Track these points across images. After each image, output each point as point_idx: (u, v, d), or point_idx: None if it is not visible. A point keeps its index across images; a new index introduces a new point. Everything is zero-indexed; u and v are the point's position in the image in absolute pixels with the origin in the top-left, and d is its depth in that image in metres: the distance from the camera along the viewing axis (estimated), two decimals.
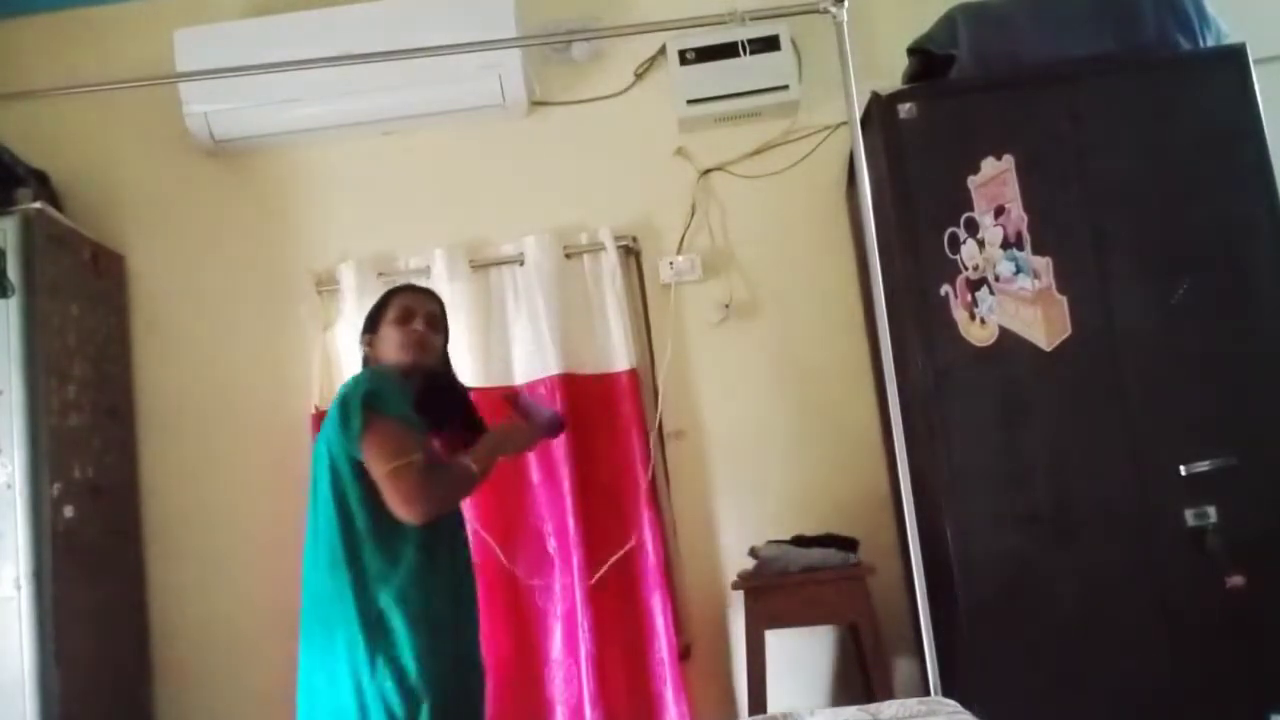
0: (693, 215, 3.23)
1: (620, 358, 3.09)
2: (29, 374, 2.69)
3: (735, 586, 2.80)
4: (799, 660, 3.01)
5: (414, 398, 2.23)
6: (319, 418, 2.84)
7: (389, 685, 1.97)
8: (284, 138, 3.24)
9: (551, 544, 3.04)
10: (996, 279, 2.59)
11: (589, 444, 3.05)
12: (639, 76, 3.31)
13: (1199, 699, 2.41)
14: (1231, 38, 2.70)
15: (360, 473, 2.04)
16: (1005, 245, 2.60)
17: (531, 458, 3.02)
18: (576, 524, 2.96)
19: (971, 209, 2.62)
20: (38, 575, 2.61)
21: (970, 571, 2.50)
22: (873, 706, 2.06)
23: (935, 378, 2.57)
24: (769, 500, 3.09)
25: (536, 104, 3.29)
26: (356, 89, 3.06)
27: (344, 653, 2.01)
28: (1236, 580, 2.40)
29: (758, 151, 3.25)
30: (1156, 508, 2.48)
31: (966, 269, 2.60)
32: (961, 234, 2.61)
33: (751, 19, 2.52)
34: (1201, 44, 2.69)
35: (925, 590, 2.30)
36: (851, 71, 2.44)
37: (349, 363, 3.03)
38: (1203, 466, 2.46)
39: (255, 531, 3.08)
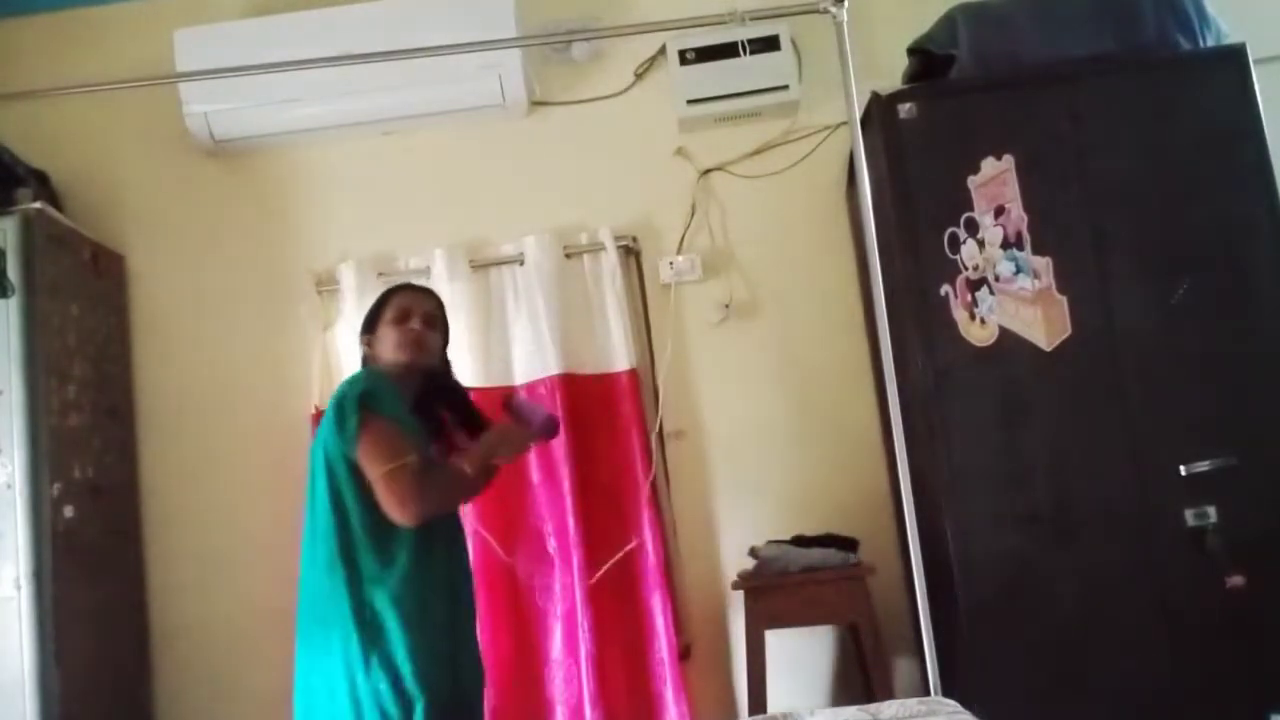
0: (693, 215, 3.23)
1: (620, 358, 3.09)
2: (29, 374, 2.69)
3: (735, 586, 2.80)
4: (799, 660, 3.01)
5: (413, 398, 2.23)
6: (319, 418, 2.83)
7: (383, 685, 1.97)
8: (284, 138, 3.24)
9: (551, 544, 3.04)
10: (996, 279, 2.59)
11: (589, 444, 3.05)
12: (639, 76, 3.31)
13: (1199, 699, 2.41)
14: (1231, 38, 2.70)
15: (356, 473, 2.04)
16: (1005, 245, 2.60)
17: (532, 457, 3.02)
18: (576, 524, 2.96)
19: (971, 209, 2.62)
20: (38, 575, 2.61)
21: (970, 571, 2.50)
22: (873, 706, 2.06)
23: (935, 378, 2.57)
24: (769, 500, 3.09)
25: (536, 104, 3.29)
26: (356, 89, 3.06)
27: (340, 652, 2.01)
28: (1236, 580, 2.40)
29: (758, 151, 3.25)
30: (1156, 508, 2.48)
31: (966, 269, 2.60)
32: (961, 234, 2.61)
33: (751, 19, 2.52)
34: (1201, 44, 2.69)
35: (925, 590, 2.30)
36: (851, 71, 2.44)
37: (349, 363, 3.03)
38: (1203, 466, 2.46)
39: (255, 531, 3.08)
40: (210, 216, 3.31)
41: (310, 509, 2.12)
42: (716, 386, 3.18)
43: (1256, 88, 2.59)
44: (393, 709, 1.96)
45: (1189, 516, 2.46)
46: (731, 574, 2.90)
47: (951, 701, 2.05)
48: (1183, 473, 2.47)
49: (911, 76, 2.88)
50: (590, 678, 2.88)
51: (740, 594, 2.80)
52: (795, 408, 3.14)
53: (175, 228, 3.30)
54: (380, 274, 3.14)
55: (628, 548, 3.00)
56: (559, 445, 2.95)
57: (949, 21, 2.77)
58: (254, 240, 3.29)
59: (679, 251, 3.22)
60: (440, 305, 2.35)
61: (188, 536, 3.14)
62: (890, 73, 2.92)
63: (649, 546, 2.99)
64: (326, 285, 3.21)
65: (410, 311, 2.25)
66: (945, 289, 2.60)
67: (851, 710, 2.05)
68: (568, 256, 3.16)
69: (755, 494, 3.11)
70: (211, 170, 3.32)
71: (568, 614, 2.99)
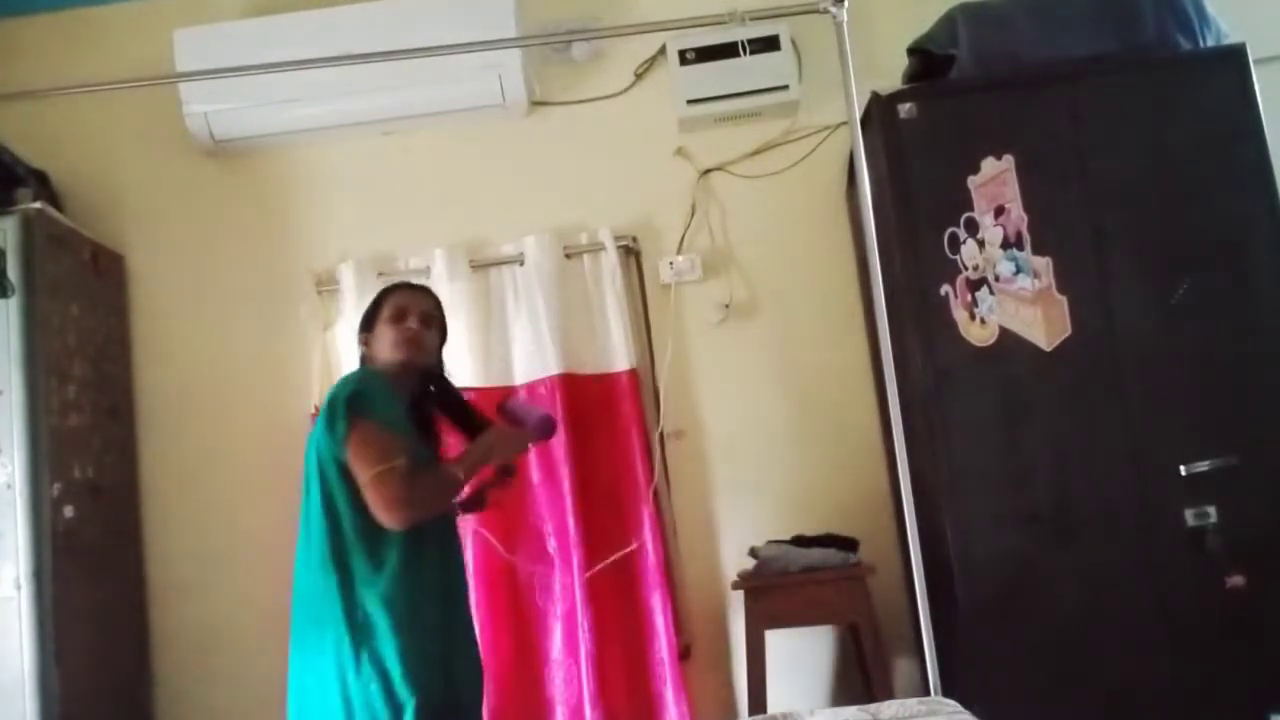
0: (693, 215, 3.23)
1: (620, 358, 3.09)
2: (29, 374, 2.69)
3: (735, 586, 2.80)
4: (799, 660, 3.01)
5: (410, 397, 2.22)
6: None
7: (374, 687, 1.97)
8: (284, 138, 3.24)
9: (551, 544, 3.04)
10: (996, 279, 2.59)
11: (589, 444, 3.05)
12: (639, 76, 3.31)
13: (1199, 699, 2.41)
14: (1231, 38, 2.70)
15: (346, 475, 2.03)
16: (1005, 245, 2.60)
17: (532, 457, 3.02)
18: (576, 524, 2.96)
19: (971, 209, 2.62)
20: (38, 575, 2.61)
21: (970, 571, 2.50)
22: (873, 706, 2.06)
23: (935, 378, 2.57)
24: (769, 500, 3.09)
25: (536, 104, 3.29)
26: (356, 89, 3.06)
27: (332, 653, 2.01)
28: (1236, 580, 2.40)
29: (758, 151, 3.25)
30: (1156, 508, 2.48)
31: (966, 269, 2.60)
32: (961, 234, 2.61)
33: (751, 19, 2.52)
34: (1201, 44, 2.69)
35: (925, 590, 2.30)
36: (851, 71, 2.44)
37: (349, 363, 3.03)
38: (1203, 466, 2.46)
39: (255, 531, 3.08)
40: (210, 216, 3.31)
41: (305, 510, 2.12)
42: (716, 386, 3.18)
43: (1256, 88, 2.59)
44: (383, 711, 1.96)
45: (1189, 516, 2.47)
46: (731, 574, 2.90)
47: (951, 701, 2.05)
48: (1183, 473, 2.47)
49: (911, 76, 2.88)
50: (590, 678, 2.88)
51: (740, 594, 2.80)
52: (795, 408, 3.14)
53: (175, 228, 3.30)
54: (380, 274, 3.14)
55: (627, 550, 3.00)
56: (559, 445, 2.95)
57: (949, 21, 2.77)
58: (254, 240, 3.29)
59: (679, 251, 3.22)
60: (438, 304, 2.34)
61: (188, 536, 3.14)
62: (890, 73, 2.92)
63: (649, 546, 2.99)
64: (326, 285, 3.21)
65: (407, 310, 2.24)
66: (945, 289, 2.60)
67: (851, 710, 2.05)
68: (568, 256, 3.16)
69: (755, 494, 3.11)
70: (211, 170, 3.32)
71: (568, 614, 2.99)
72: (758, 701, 2.66)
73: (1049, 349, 2.55)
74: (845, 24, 2.44)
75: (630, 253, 3.22)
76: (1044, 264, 2.58)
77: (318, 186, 3.32)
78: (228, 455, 3.17)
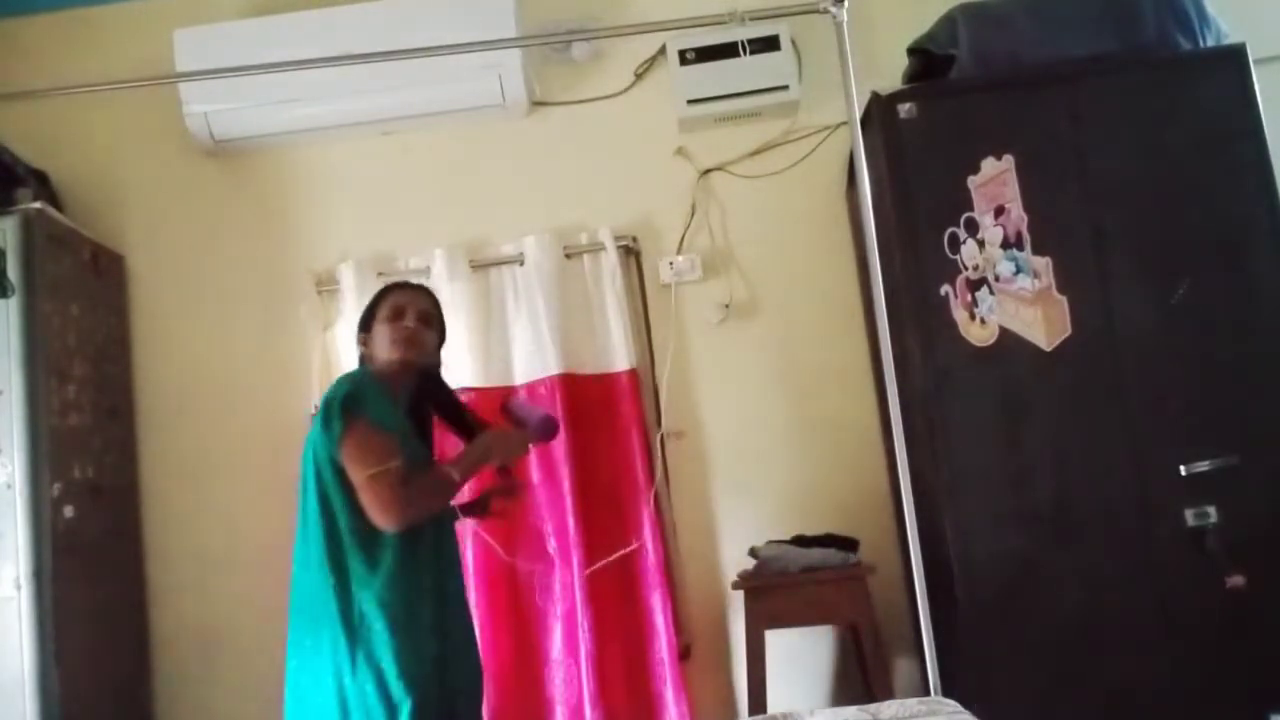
0: (693, 215, 3.23)
1: (620, 358, 3.09)
2: (29, 374, 2.69)
3: (735, 586, 2.80)
4: (799, 660, 3.01)
5: (409, 396, 2.22)
6: None
7: (369, 687, 1.97)
8: (284, 138, 3.24)
9: (551, 544, 3.04)
10: (996, 279, 2.59)
11: (589, 444, 3.05)
12: (639, 76, 3.31)
13: (1199, 699, 2.41)
14: (1231, 38, 2.70)
15: (342, 476, 2.03)
16: (1005, 245, 2.59)
17: (532, 457, 3.01)
18: (576, 524, 2.96)
19: (971, 209, 2.62)
20: (38, 575, 2.61)
21: (970, 571, 2.50)
22: (873, 706, 2.05)
23: (935, 378, 2.57)
24: (769, 500, 3.09)
25: (536, 104, 3.29)
26: (356, 89, 3.06)
27: (329, 653, 2.01)
28: (1236, 580, 2.40)
29: (758, 151, 3.25)
30: (1156, 508, 2.48)
31: (966, 269, 2.60)
32: (961, 234, 2.61)
33: (751, 19, 2.52)
34: (1201, 44, 2.69)
35: (925, 590, 2.30)
36: (851, 71, 2.44)
37: (349, 363, 3.02)
38: (1203, 466, 2.46)
39: (255, 531, 3.07)
40: (210, 216, 3.31)
41: (302, 510, 2.12)
42: (716, 386, 3.18)
43: (1256, 88, 2.59)
44: (378, 711, 1.96)
45: (1189, 516, 2.46)
46: (731, 574, 2.90)
47: (951, 701, 2.05)
48: (1183, 473, 2.47)
49: (911, 76, 2.88)
50: (590, 678, 2.88)
51: (740, 594, 2.80)
52: (795, 408, 3.14)
53: (175, 228, 3.30)
54: (380, 274, 3.14)
55: (628, 549, 3.00)
56: (559, 445, 2.95)
57: (949, 21, 2.77)
58: (254, 240, 3.29)
59: (679, 251, 3.22)
60: (436, 303, 2.33)
61: (188, 536, 3.14)
62: (890, 73, 2.92)
63: (649, 546, 2.99)
64: (326, 285, 3.21)
65: (405, 309, 2.24)
66: (945, 289, 2.60)
67: (851, 710, 2.05)
68: (568, 256, 3.16)
69: (755, 494, 3.11)
70: (211, 170, 3.32)
71: (568, 614, 2.99)
72: (758, 701, 2.66)
73: (1049, 349, 2.55)
74: (845, 24, 2.43)
75: (630, 253, 3.22)
76: (1044, 264, 2.58)
77: (317, 186, 3.32)
78: (227, 455, 3.17)
